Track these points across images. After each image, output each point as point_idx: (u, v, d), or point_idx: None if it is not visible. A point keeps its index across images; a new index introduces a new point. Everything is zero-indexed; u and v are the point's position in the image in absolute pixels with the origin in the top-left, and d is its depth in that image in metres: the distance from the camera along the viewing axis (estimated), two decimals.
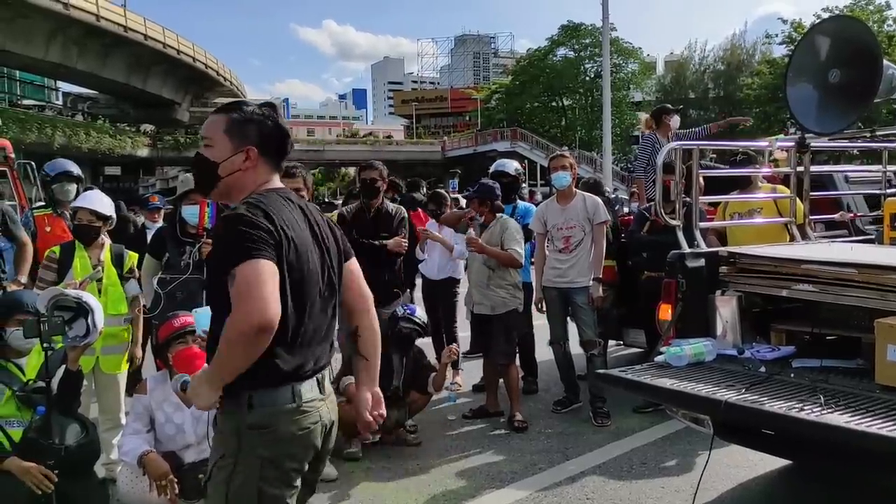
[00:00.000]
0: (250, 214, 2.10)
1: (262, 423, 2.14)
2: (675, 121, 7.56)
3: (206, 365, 2.18)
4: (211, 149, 2.27)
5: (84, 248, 4.53)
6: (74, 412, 3.67)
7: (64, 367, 3.62)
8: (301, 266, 2.18)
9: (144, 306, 4.77)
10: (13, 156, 11.65)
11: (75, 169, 6.12)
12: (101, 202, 4.64)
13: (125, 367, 4.60)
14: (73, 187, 5.83)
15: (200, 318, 3.44)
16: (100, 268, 4.51)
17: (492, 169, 7.06)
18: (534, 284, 5.98)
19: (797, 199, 4.92)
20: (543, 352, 6.73)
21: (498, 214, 5.74)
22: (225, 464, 2.15)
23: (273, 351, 2.08)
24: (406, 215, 5.98)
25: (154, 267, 4.73)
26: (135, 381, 4.38)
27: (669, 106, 7.94)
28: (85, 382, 3.84)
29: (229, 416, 2.18)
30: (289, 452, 2.19)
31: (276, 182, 2.33)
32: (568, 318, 5.84)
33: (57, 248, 4.64)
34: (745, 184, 5.69)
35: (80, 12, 37.90)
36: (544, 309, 5.87)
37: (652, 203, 6.23)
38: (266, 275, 2.01)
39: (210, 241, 4.42)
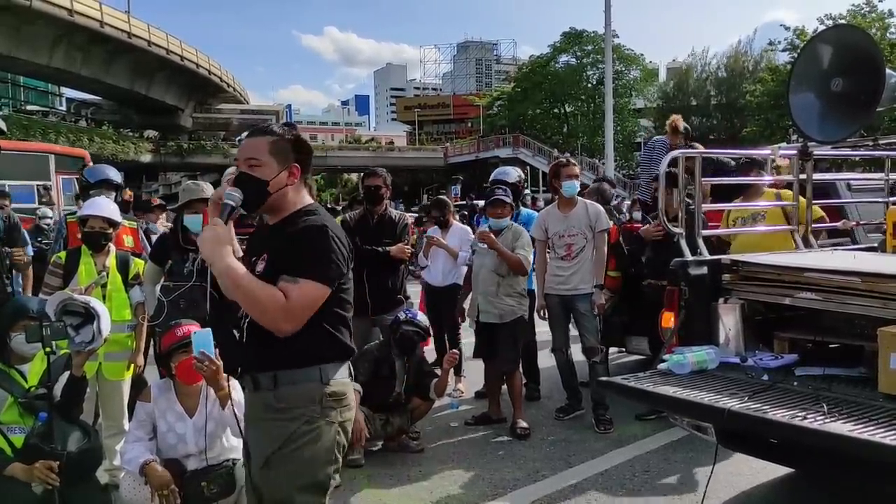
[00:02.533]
0: (332, 233, 2.41)
1: (338, 392, 2.46)
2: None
3: (245, 271, 2.32)
4: (259, 168, 2.43)
5: (90, 254, 4.54)
6: (76, 418, 3.68)
7: (68, 373, 3.63)
8: (349, 270, 2.52)
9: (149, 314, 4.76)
10: (91, 164, 12.07)
11: (116, 176, 6.11)
12: (109, 209, 4.65)
13: (129, 373, 4.61)
14: (112, 195, 5.80)
15: (198, 338, 3.44)
16: (104, 273, 4.51)
17: (492, 177, 7.05)
18: (536, 291, 5.99)
19: (803, 205, 4.92)
20: (546, 358, 6.74)
21: (510, 222, 5.73)
22: (310, 429, 2.39)
23: (339, 329, 2.46)
24: (409, 222, 5.99)
25: (156, 274, 4.73)
26: (139, 388, 4.38)
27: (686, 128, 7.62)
28: (87, 389, 3.84)
29: (303, 386, 2.41)
30: (349, 419, 2.54)
31: (308, 196, 2.59)
32: (570, 326, 5.84)
33: (63, 254, 4.66)
34: (749, 189, 5.68)
35: (84, 19, 38.07)
36: (546, 316, 5.87)
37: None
38: (318, 301, 2.35)
39: None
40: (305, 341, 2.37)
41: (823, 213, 5.45)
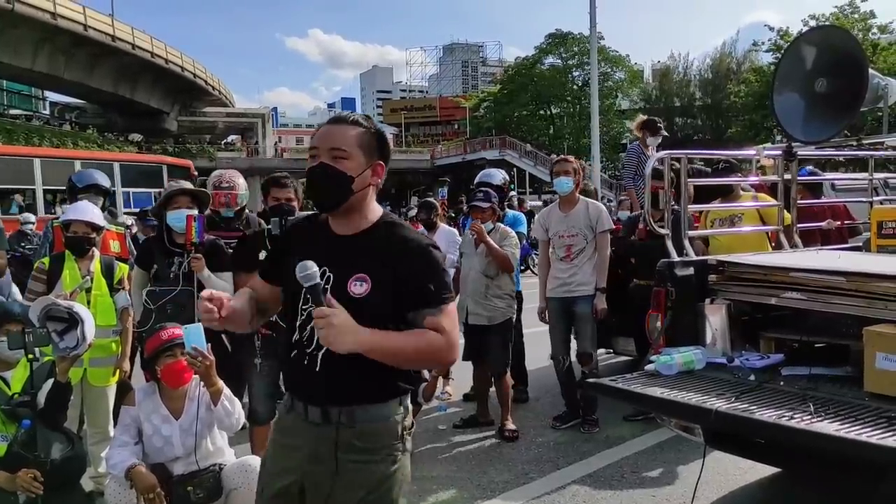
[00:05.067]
0: (440, 253, 2.22)
1: (411, 422, 2.31)
2: (654, 140, 7.51)
3: (373, 331, 2.02)
4: (346, 161, 2.14)
5: (74, 259, 4.50)
6: (60, 425, 3.64)
7: (52, 379, 3.59)
8: None
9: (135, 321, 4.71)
10: (196, 174, 12.75)
11: (104, 181, 6.06)
12: (93, 213, 4.61)
13: (114, 379, 4.56)
14: (100, 200, 5.75)
15: (189, 334, 3.41)
16: (88, 278, 4.47)
17: (477, 179, 7.05)
18: (539, 293, 5.89)
19: (783, 208, 4.95)
20: (534, 360, 6.73)
21: (497, 224, 5.71)
22: (397, 468, 2.23)
23: None
24: None
25: (142, 279, 4.68)
26: (124, 394, 4.34)
27: (658, 125, 7.82)
28: (72, 395, 3.80)
29: (387, 423, 2.21)
30: None
31: None
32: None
33: (46, 260, 4.61)
34: (726, 192, 5.71)
35: (67, 22, 37.81)
36: (548, 319, 5.78)
37: (642, 211, 6.23)
38: (458, 321, 2.22)
39: (199, 255, 4.39)
40: (389, 372, 2.13)
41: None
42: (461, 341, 5.88)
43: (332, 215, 2.21)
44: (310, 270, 1.99)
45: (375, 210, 2.24)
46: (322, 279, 2.06)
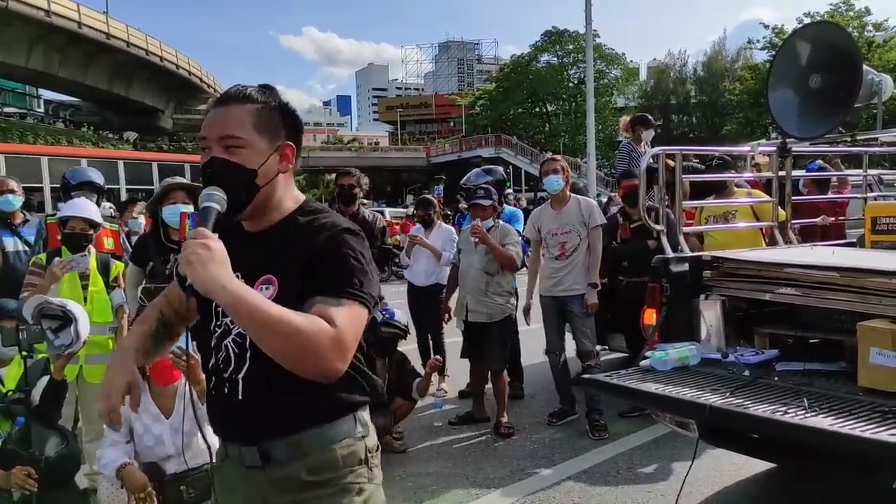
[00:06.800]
0: (362, 242, 1.77)
1: (376, 444, 1.88)
2: (648, 134, 7.53)
3: (265, 299, 1.61)
4: (242, 151, 1.71)
5: (71, 255, 4.49)
6: (55, 423, 3.63)
7: (47, 377, 3.59)
8: None
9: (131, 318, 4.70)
10: None
11: (99, 179, 6.05)
12: (89, 210, 4.60)
13: None
14: (94, 197, 5.74)
15: None
16: (79, 258, 4.45)
17: (462, 181, 7.05)
18: (526, 291, 5.91)
19: (777, 204, 4.96)
20: (529, 357, 6.74)
21: (497, 221, 5.71)
22: (369, 498, 1.80)
23: (361, 359, 1.81)
24: (385, 225, 5.95)
25: (137, 276, 4.65)
26: None
27: (649, 117, 7.85)
28: (67, 393, 3.79)
29: (342, 446, 1.77)
30: None
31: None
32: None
33: (43, 256, 4.60)
34: (720, 188, 5.72)
35: (62, 20, 37.80)
36: (530, 319, 5.81)
37: (619, 208, 6.26)
38: (362, 328, 1.70)
39: None
40: (336, 384, 1.68)
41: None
42: (459, 339, 5.96)
43: (243, 216, 1.78)
44: (214, 192, 1.66)
45: (291, 199, 1.83)
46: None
